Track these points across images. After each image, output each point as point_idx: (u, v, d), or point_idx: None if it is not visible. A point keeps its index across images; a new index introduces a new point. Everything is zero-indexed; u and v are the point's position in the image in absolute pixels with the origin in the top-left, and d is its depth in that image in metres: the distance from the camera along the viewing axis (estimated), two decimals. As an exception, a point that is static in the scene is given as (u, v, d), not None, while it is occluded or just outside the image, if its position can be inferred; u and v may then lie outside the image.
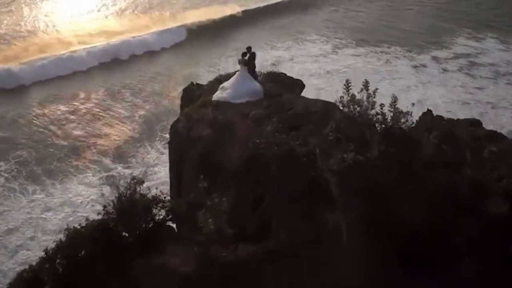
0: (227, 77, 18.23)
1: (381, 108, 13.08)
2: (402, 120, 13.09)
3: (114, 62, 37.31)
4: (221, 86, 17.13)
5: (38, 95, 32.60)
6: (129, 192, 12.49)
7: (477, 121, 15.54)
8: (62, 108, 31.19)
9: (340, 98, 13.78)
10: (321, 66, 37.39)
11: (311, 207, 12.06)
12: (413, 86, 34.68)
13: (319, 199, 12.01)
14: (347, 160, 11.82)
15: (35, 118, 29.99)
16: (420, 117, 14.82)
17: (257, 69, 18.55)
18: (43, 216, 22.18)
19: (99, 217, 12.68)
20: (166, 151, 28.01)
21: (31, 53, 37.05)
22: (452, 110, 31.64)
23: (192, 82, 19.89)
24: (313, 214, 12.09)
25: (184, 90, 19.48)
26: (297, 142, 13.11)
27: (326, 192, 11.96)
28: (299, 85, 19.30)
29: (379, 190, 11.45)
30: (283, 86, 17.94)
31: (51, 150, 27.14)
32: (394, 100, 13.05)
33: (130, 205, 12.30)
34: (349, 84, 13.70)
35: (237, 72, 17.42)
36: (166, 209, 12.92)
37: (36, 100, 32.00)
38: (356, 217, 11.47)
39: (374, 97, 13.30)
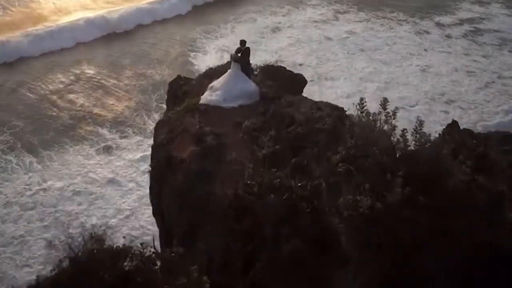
0: (218, 71, 15.81)
1: (404, 133, 10.41)
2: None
3: (117, 31, 35.67)
4: (210, 85, 14.83)
5: (37, 66, 31.34)
6: (86, 252, 9.47)
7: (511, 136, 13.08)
8: (61, 78, 30.12)
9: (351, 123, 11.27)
10: (322, 32, 36.17)
11: (316, 269, 9.32)
12: (416, 54, 33.48)
13: (326, 255, 9.35)
14: (362, 207, 9.18)
15: (32, 88, 28.98)
16: (444, 131, 12.56)
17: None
18: (41, 188, 21.59)
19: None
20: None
21: (30, 21, 35.53)
22: (456, 80, 30.74)
23: (179, 76, 17.71)
24: (319, 278, 9.42)
25: (170, 84, 17.39)
26: (299, 184, 9.91)
27: (335, 243, 9.38)
28: (301, 81, 16.85)
29: (402, 247, 9.09)
30: (283, 82, 15.51)
31: (48, 120, 26.35)
32: (420, 124, 10.58)
33: (88, 267, 9.35)
34: (363, 103, 11.19)
35: (228, 70, 14.94)
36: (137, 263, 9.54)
37: (35, 71, 30.80)
38: (373, 280, 9.10)
39: (394, 119, 10.81)
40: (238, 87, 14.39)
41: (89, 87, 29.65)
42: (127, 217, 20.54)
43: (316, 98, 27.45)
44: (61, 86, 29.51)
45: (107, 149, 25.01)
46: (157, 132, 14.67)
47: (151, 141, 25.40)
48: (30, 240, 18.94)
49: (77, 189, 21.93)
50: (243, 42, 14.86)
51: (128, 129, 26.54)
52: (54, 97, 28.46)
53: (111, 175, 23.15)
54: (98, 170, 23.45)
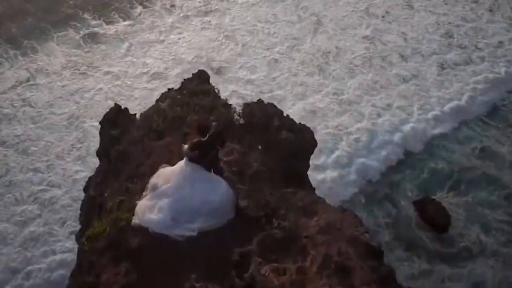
0: (175, 118, 11.39)
1: None
2: None
3: None
4: (152, 182, 9.63)
5: None
6: None
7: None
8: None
9: None
10: None
11: None
12: None
13: None
14: None
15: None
16: None
17: None
18: (30, 84, 21.76)
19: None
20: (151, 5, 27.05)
21: None
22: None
23: (115, 107, 13.13)
24: None
25: (101, 122, 12.96)
26: None
27: None
28: (308, 145, 12.04)
29: None
30: (280, 156, 11.05)
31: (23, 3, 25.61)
32: None
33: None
34: None
35: (180, 163, 9.60)
36: None
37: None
38: None
39: None
40: (197, 199, 9.24)
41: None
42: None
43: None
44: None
45: (93, 36, 25.00)
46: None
47: (139, 25, 25.90)
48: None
49: (69, 85, 22.07)
50: (205, 128, 9.33)
51: (114, 14, 26.34)
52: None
53: (104, 66, 23.16)
54: (88, 60, 23.47)
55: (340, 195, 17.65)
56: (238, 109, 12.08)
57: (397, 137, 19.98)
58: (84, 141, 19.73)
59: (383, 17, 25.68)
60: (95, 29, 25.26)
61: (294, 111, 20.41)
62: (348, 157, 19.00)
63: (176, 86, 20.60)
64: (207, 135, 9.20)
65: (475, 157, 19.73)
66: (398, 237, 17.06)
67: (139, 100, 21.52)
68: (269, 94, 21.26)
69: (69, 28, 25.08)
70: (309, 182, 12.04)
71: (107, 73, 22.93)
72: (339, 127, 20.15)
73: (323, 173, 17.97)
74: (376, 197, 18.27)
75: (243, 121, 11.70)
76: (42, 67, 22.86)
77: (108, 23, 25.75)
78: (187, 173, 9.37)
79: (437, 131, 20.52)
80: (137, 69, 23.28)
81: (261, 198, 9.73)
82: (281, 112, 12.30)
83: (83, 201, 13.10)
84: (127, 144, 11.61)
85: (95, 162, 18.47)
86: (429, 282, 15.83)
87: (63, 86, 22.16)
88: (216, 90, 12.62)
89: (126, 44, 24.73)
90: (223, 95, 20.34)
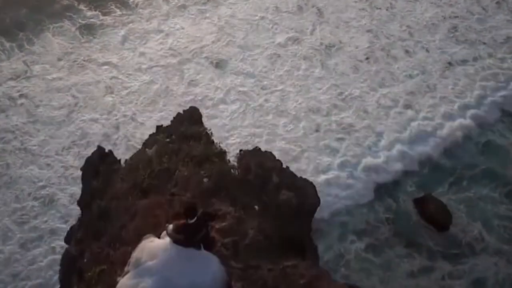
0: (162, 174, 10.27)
1: None
2: None
3: None
4: (134, 257, 8.45)
5: None
6: None
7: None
8: None
9: None
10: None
11: None
12: None
13: None
14: None
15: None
16: None
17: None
18: (27, 77, 22.16)
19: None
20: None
21: None
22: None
23: (99, 148, 12.38)
24: None
25: (83, 169, 12.09)
26: None
27: None
28: (309, 203, 11.17)
29: None
30: (278, 216, 9.99)
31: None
32: None
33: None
34: None
35: (167, 241, 8.43)
36: None
37: None
38: None
39: None
40: (185, 280, 8.24)
41: None
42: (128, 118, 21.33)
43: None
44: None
45: (89, 28, 25.14)
46: None
47: (136, 16, 26.13)
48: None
49: (67, 78, 22.33)
50: (191, 208, 8.30)
51: (110, 4, 26.52)
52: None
53: (102, 58, 23.44)
54: (85, 52, 23.73)
55: (347, 199, 18.02)
56: (233, 159, 11.00)
57: (404, 135, 20.19)
58: (84, 137, 20.08)
59: (386, 9, 25.80)
60: (92, 20, 25.37)
61: (296, 107, 20.87)
62: (353, 157, 19.15)
63: (175, 78, 22.52)
64: (195, 216, 8.24)
65: (479, 152, 20.06)
66: (399, 233, 17.40)
67: (138, 95, 21.89)
68: (271, 90, 21.58)
69: (65, 20, 25.12)
70: (312, 245, 11.31)
71: (105, 64, 23.16)
72: (343, 125, 20.39)
73: (326, 175, 18.07)
74: (377, 191, 18.60)
75: (238, 172, 10.50)
76: (39, 60, 23.06)
77: (104, 13, 25.82)
78: (173, 252, 8.37)
79: (443, 128, 20.67)
80: (135, 61, 23.52)
81: (258, 278, 8.70)
82: (280, 164, 11.15)
83: (63, 256, 12.46)
84: (110, 199, 10.50)
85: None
86: (429, 279, 16.16)
87: (60, 79, 22.40)
88: (209, 132, 11.41)
89: (123, 35, 24.80)
90: (222, 90, 21.85)
